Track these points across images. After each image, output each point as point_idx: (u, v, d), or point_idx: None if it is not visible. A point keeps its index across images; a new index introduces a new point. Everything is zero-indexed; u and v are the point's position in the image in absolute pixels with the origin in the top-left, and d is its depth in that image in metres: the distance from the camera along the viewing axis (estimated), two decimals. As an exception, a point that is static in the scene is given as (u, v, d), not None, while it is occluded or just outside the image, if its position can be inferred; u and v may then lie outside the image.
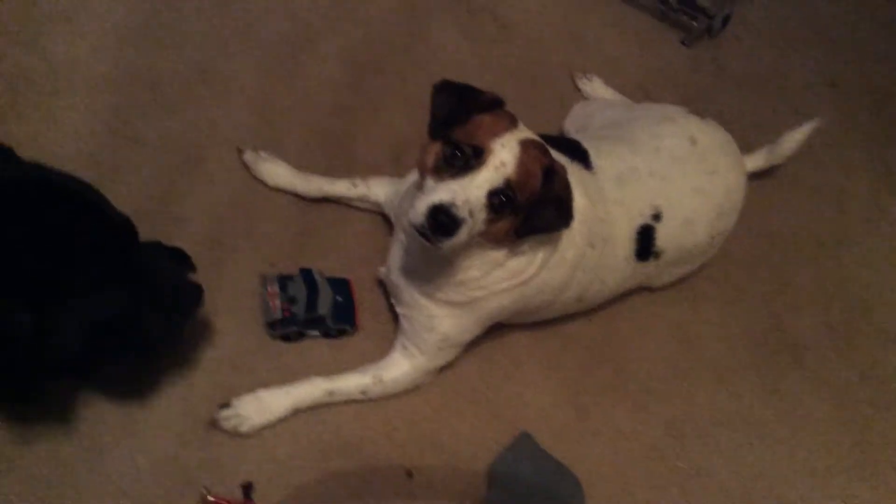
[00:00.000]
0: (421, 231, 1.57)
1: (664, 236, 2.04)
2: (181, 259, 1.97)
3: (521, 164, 1.61)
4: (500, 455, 1.95)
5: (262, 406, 1.89)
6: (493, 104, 1.70)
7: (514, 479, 1.91)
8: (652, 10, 3.10)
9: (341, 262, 2.20)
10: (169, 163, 2.28)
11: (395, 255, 1.98)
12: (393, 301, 2.05)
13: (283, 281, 2.06)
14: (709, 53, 3.07)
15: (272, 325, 2.02)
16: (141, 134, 2.32)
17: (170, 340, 1.82)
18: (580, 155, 2.00)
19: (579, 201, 1.78)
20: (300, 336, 2.04)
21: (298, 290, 2.03)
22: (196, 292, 1.78)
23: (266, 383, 1.92)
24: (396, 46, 2.76)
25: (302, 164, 2.30)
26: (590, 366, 2.20)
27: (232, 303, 2.05)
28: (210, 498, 1.75)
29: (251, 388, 1.91)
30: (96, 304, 1.52)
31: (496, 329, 2.07)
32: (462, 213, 1.53)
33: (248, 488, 1.79)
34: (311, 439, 1.92)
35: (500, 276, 1.84)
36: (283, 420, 1.91)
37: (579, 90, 2.76)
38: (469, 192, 1.56)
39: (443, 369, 2.04)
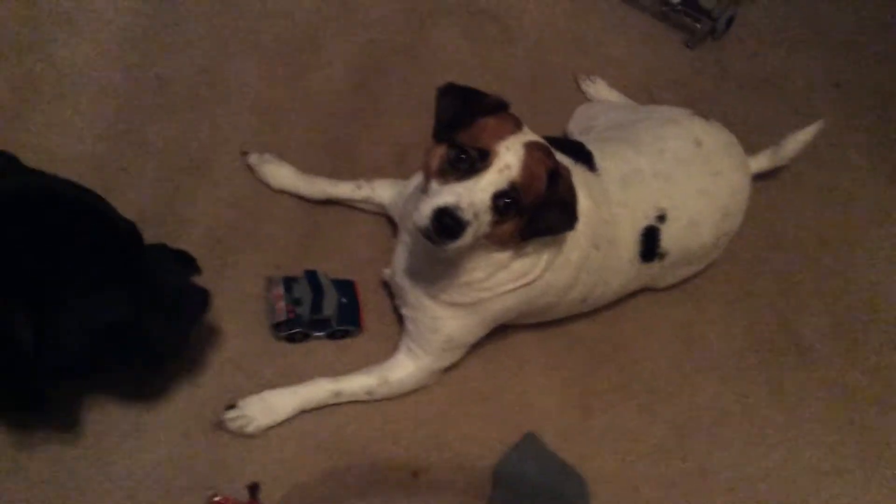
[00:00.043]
0: (426, 233, 1.58)
1: (669, 238, 2.04)
2: (187, 262, 1.98)
3: (526, 166, 1.61)
4: (506, 455, 1.96)
5: (268, 407, 1.90)
6: (497, 107, 1.70)
7: (520, 479, 1.92)
8: (654, 12, 3.11)
9: (346, 263, 2.21)
10: (173, 166, 2.29)
11: (400, 256, 1.99)
12: (397, 302, 2.05)
13: (288, 283, 2.06)
14: (712, 55, 3.07)
15: (277, 327, 2.02)
16: (145, 137, 2.33)
17: (176, 346, 1.83)
18: (584, 157, 2.00)
19: (583, 203, 1.78)
20: (305, 337, 2.05)
21: (303, 291, 2.04)
22: (202, 297, 1.78)
23: (271, 384, 1.93)
24: (399, 49, 2.76)
25: (306, 167, 2.31)
26: (594, 366, 2.20)
27: (237, 304, 2.05)
28: (216, 498, 1.75)
29: (257, 389, 1.91)
30: (98, 310, 1.52)
31: (500, 329, 2.07)
32: (467, 215, 1.54)
33: (254, 489, 1.79)
34: (317, 440, 1.92)
35: (504, 278, 1.84)
36: (288, 421, 1.91)
37: (583, 92, 2.76)
38: (474, 194, 1.57)
39: (448, 370, 2.05)
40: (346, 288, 2.11)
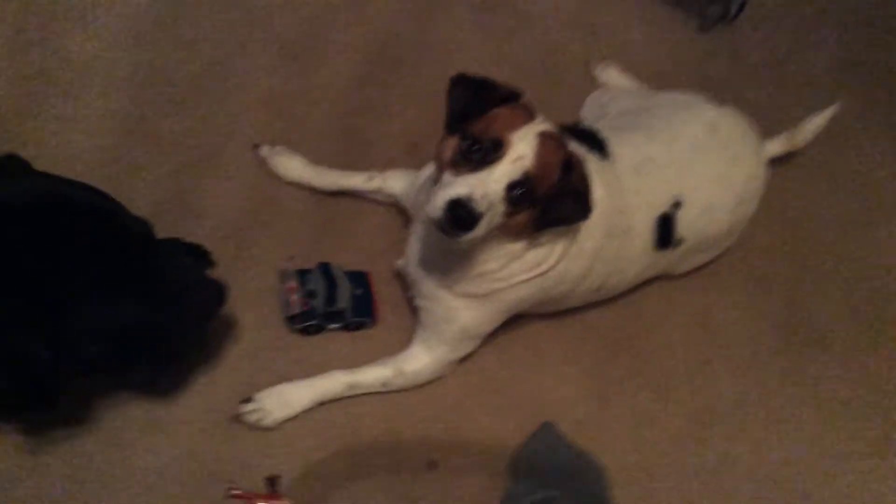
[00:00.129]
0: (439, 225, 1.57)
1: (684, 225, 2.02)
2: (201, 255, 1.98)
3: (540, 156, 1.60)
4: (523, 445, 1.95)
5: (284, 400, 1.90)
6: (510, 97, 1.69)
7: (538, 469, 1.91)
8: (667, -3, 3.08)
9: (359, 255, 2.21)
10: (186, 159, 2.30)
11: (413, 247, 1.98)
12: (412, 293, 2.05)
13: (302, 275, 2.07)
14: (725, 39, 3.03)
15: (291, 320, 2.03)
16: (157, 131, 2.34)
17: (193, 341, 1.84)
18: (598, 144, 1.98)
19: (598, 192, 1.76)
20: (320, 330, 2.05)
21: (317, 284, 2.04)
22: (218, 291, 1.79)
23: (287, 377, 1.93)
24: (409, 39, 2.75)
25: (317, 158, 2.31)
26: (610, 354, 2.19)
27: (251, 297, 2.06)
28: (235, 492, 1.76)
29: (272, 382, 1.92)
30: (111, 313, 1.53)
31: (515, 319, 2.06)
32: (480, 206, 1.53)
33: (273, 481, 1.80)
34: (334, 432, 1.92)
35: (518, 268, 1.84)
36: (305, 413, 1.92)
37: (595, 79, 2.74)
38: (487, 185, 1.56)
39: (463, 360, 2.04)
40: (360, 279, 2.11)
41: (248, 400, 1.88)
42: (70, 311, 1.49)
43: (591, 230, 1.86)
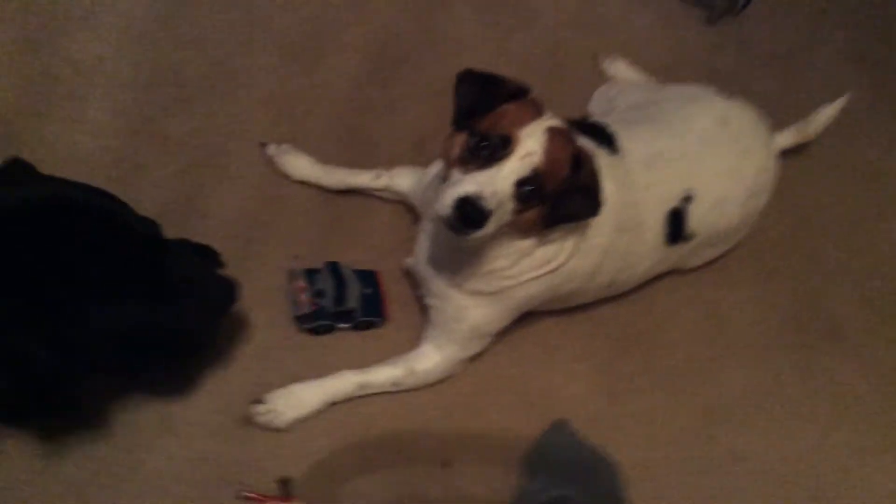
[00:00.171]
0: (448, 223, 1.56)
1: (695, 219, 2.01)
2: (209, 256, 1.98)
3: (549, 152, 1.59)
4: (535, 442, 1.94)
5: (295, 400, 1.90)
6: (517, 92, 1.67)
7: (551, 466, 1.90)
8: (673, -11, 3.05)
9: (367, 253, 2.20)
10: (192, 159, 2.29)
11: (422, 245, 1.97)
12: (421, 292, 2.04)
13: (311, 275, 2.06)
14: (733, 31, 3.01)
15: (301, 320, 2.02)
16: (164, 131, 2.33)
17: (205, 340, 1.84)
18: (607, 139, 1.96)
19: (607, 187, 1.75)
20: (329, 329, 2.04)
21: (326, 283, 2.04)
22: (229, 288, 1.78)
23: (298, 377, 1.92)
24: (414, 35, 2.74)
25: (324, 157, 2.30)
26: (621, 350, 2.18)
27: (260, 298, 2.04)
28: (248, 494, 1.76)
29: (283, 382, 1.91)
30: (120, 315, 1.53)
31: (526, 316, 2.05)
32: (490, 204, 1.52)
33: (285, 483, 1.80)
34: (346, 432, 1.92)
35: (528, 266, 1.82)
36: (316, 414, 1.91)
37: (603, 72, 2.72)
38: (496, 182, 1.55)
39: (473, 358, 2.03)
40: (369, 278, 2.10)
41: (259, 401, 1.87)
42: (77, 313, 1.48)
43: (601, 226, 1.84)
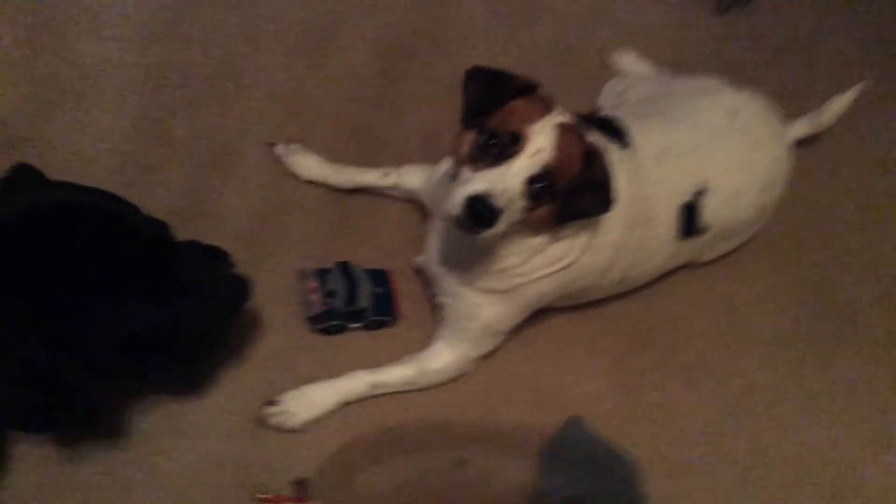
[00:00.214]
0: (458, 222, 1.55)
1: (709, 213, 1.98)
2: (220, 257, 1.97)
3: (559, 149, 1.57)
4: (551, 440, 1.92)
5: (308, 401, 1.89)
6: (526, 89, 1.65)
7: (567, 464, 1.89)
8: (681, -21, 3.02)
9: (377, 252, 2.19)
10: (200, 160, 2.29)
11: (433, 243, 1.96)
12: (432, 290, 2.03)
13: (321, 275, 2.05)
14: (742, 21, 2.97)
15: (313, 320, 2.01)
16: (171, 132, 2.33)
17: (219, 339, 1.84)
18: (617, 133, 1.94)
19: (619, 182, 1.73)
20: (341, 329, 2.04)
21: (337, 283, 2.03)
22: (241, 286, 1.78)
23: (310, 378, 1.92)
24: (421, 30, 2.72)
25: (333, 155, 2.29)
26: (636, 345, 2.16)
27: (272, 298, 2.04)
28: (262, 496, 1.76)
29: (296, 383, 1.91)
30: (130, 319, 1.53)
31: (539, 313, 2.03)
32: (500, 202, 1.50)
33: (301, 484, 1.79)
34: (360, 432, 1.91)
35: (540, 263, 1.81)
36: (329, 414, 1.90)
37: (612, 66, 2.70)
38: (506, 180, 1.53)
39: (486, 356, 2.02)
40: (380, 277, 2.09)
41: (271, 402, 1.87)
42: (89, 318, 1.48)
43: (613, 222, 1.82)
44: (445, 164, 1.94)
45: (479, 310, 1.89)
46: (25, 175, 1.65)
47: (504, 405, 2.01)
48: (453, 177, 1.67)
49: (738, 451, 2.03)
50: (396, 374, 1.94)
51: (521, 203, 1.57)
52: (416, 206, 2.24)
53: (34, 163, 1.70)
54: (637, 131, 1.96)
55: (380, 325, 2.06)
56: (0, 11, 2.41)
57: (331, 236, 2.21)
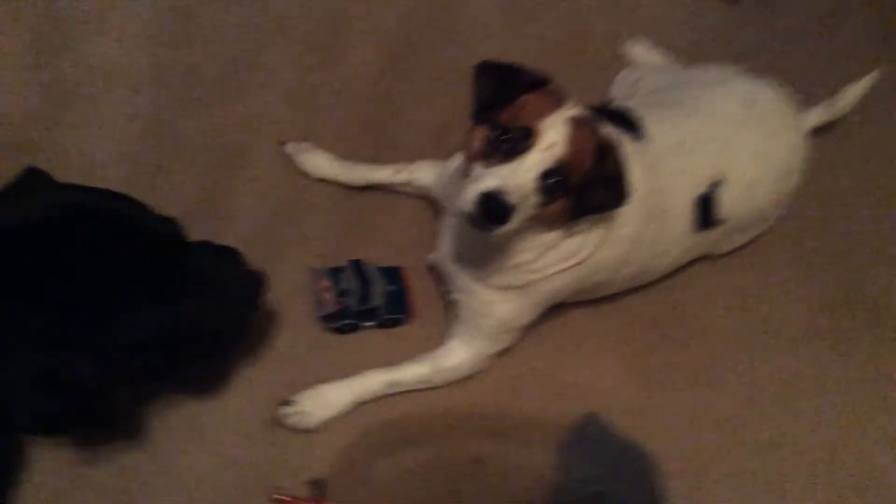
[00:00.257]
0: (471, 219, 1.53)
1: (726, 204, 1.95)
2: (232, 257, 1.96)
3: (572, 143, 1.54)
4: (569, 437, 1.91)
5: (324, 401, 1.88)
6: (538, 82, 1.63)
7: (586, 461, 1.88)
8: (694, -35, 2.98)
9: (390, 249, 2.18)
10: (211, 160, 2.28)
11: (446, 240, 1.95)
12: (446, 287, 2.01)
13: (334, 274, 2.04)
14: (757, 6, 2.93)
15: (326, 319, 2.00)
16: (182, 133, 2.32)
17: (236, 335, 1.83)
18: (631, 125, 1.91)
19: (633, 175, 1.70)
20: (355, 328, 2.03)
21: (350, 282, 2.02)
22: (256, 279, 1.77)
23: (325, 377, 1.91)
24: (430, 24, 2.70)
25: (344, 153, 2.28)
26: (654, 339, 2.13)
27: (285, 298, 2.03)
28: (280, 497, 1.75)
29: (311, 383, 1.90)
30: (146, 319, 1.52)
31: (554, 308, 2.01)
32: (513, 199, 1.48)
33: (318, 485, 1.79)
34: (376, 431, 1.90)
35: (554, 258, 1.79)
36: (345, 414, 1.90)
37: (624, 55, 2.66)
38: (519, 176, 1.51)
39: (501, 353, 2.00)
40: (393, 275, 2.08)
41: (287, 402, 1.86)
42: (104, 320, 1.48)
43: (628, 215, 1.80)
44: (457, 160, 1.92)
45: (494, 307, 1.87)
46: (34, 179, 1.65)
47: (521, 401, 1.99)
48: (465, 173, 1.65)
49: (758, 444, 2.00)
50: (411, 373, 1.93)
51: (534, 199, 1.55)
52: (429, 203, 2.22)
53: (44, 166, 1.70)
54: (651, 123, 1.93)
55: (394, 323, 2.05)
56: (7, 15, 2.41)
57: (343, 234, 2.20)
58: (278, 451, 1.84)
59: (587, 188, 1.60)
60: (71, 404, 1.55)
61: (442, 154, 2.14)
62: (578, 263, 1.81)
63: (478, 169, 1.58)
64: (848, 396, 2.10)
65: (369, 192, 2.26)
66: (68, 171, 1.74)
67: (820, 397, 2.09)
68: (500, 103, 1.59)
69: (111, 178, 2.12)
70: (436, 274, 2.08)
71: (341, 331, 2.02)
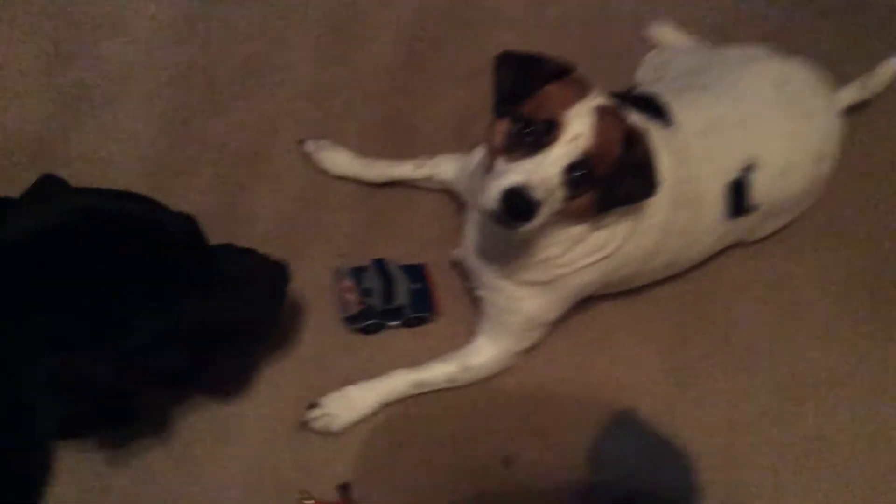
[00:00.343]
0: (494, 217, 1.48)
1: (759, 189, 1.88)
2: (252, 254, 1.94)
3: (598, 133, 1.49)
4: (602, 435, 1.87)
5: (350, 403, 1.86)
6: (561, 71, 1.57)
7: (620, 459, 1.84)
8: (718, -58, 2.89)
9: (413, 246, 2.14)
10: (230, 161, 2.27)
11: (470, 236, 1.90)
12: (471, 284, 1.97)
13: (357, 273, 2.01)
14: (784, -18, 2.85)
15: (350, 320, 1.97)
16: (200, 134, 2.31)
17: (268, 326, 1.81)
18: (658, 111, 1.85)
19: (663, 163, 1.64)
20: (380, 328, 2.00)
21: (373, 281, 1.98)
22: (280, 270, 1.74)
23: (351, 379, 1.88)
24: (448, 14, 2.65)
25: (363, 150, 2.25)
26: (686, 332, 2.07)
27: (309, 299, 2.01)
28: (307, 501, 1.73)
29: (336, 385, 1.87)
30: (171, 320, 1.49)
31: (583, 302, 1.96)
32: (538, 194, 1.43)
33: (345, 488, 1.76)
34: (403, 433, 1.87)
35: (582, 252, 1.73)
36: (372, 415, 1.87)
37: (649, 38, 2.59)
38: (544, 170, 1.46)
39: (530, 349, 1.96)
40: (417, 273, 2.04)
41: (313, 405, 1.84)
42: (128, 325, 1.46)
43: (658, 205, 1.73)
44: (479, 153, 1.87)
45: (521, 303, 1.83)
46: (50, 185, 1.63)
47: (550, 399, 1.95)
48: (487, 168, 1.60)
49: (794, 436, 1.94)
50: (438, 372, 1.89)
51: (560, 193, 1.49)
52: (451, 197, 2.18)
53: (62, 172, 1.67)
54: (679, 107, 1.87)
55: (419, 321, 2.01)
56: (24, 20, 2.40)
57: (365, 232, 2.17)
58: (305, 454, 1.82)
59: (615, 179, 1.54)
60: (92, 404, 1.54)
61: (463, 147, 2.09)
62: (607, 256, 1.76)
63: (500, 164, 1.53)
64: (887, 386, 2.02)
65: (390, 188, 2.22)
66: (86, 176, 1.75)
67: (858, 387, 2.01)
68: (522, 95, 1.53)
69: (130, 180, 2.09)
70: (460, 270, 2.04)
71: (366, 331, 1.98)
